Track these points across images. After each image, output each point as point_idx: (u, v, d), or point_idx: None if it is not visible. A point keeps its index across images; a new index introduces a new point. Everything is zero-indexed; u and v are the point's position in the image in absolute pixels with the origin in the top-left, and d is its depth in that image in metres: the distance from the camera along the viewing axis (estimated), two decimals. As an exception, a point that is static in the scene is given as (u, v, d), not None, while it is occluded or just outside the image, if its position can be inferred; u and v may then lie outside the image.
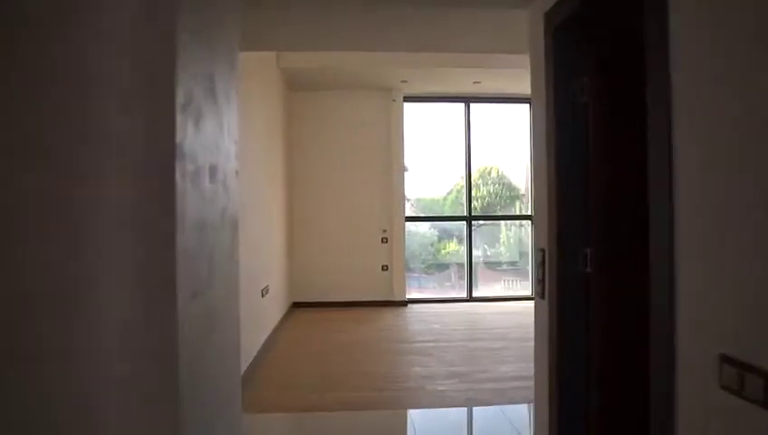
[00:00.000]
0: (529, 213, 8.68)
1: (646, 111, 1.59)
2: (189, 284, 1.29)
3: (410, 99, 8.31)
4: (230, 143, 1.71)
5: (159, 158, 1.20)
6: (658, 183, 1.53)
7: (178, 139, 1.22)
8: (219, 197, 1.58)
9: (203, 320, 1.40)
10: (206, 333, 1.45)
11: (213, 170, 1.51)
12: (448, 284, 8.72)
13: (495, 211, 8.90)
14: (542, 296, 2.52)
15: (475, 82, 7.68)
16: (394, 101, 8.04)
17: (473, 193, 8.57)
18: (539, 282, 2.54)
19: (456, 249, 8.67)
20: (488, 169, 8.87)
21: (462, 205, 8.55)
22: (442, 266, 8.92)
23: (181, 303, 1.22)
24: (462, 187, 8.54)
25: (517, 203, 8.91)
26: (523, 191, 8.91)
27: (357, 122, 8.06)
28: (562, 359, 2.36)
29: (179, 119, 1.23)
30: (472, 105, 8.46)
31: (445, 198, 8.82)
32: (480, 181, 8.65)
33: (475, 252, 8.48)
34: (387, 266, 8.09)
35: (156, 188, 1.20)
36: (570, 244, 2.37)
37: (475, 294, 8.46)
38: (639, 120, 1.64)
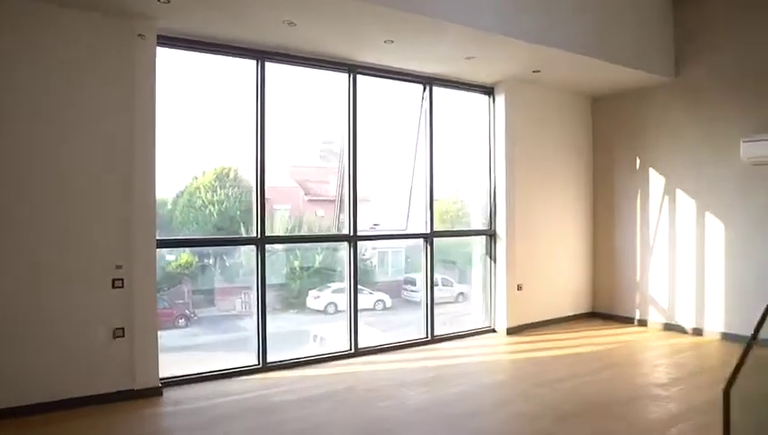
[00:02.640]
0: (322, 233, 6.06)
1: None
2: None
3: (169, 41, 4.92)
4: None
5: None
6: None
7: None
8: None
9: None
10: None
11: None
12: (180, 301, 6.32)
13: (228, 226, 6.10)
14: None
15: (286, 23, 4.74)
16: (141, 36, 4.57)
17: (208, 197, 5.88)
18: None
19: (189, 261, 6.24)
20: (226, 171, 6.33)
21: (196, 210, 5.91)
22: (173, 280, 6.27)
23: None
24: (198, 188, 5.94)
25: (254, 212, 6.30)
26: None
27: (65, 67, 4.36)
28: None
29: None
30: (269, 65, 5.48)
31: (175, 202, 5.96)
32: (217, 184, 6.10)
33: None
34: (122, 330, 4.55)
35: None
36: None
37: (270, 358, 5.50)
38: None
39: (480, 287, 7.26)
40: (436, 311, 6.65)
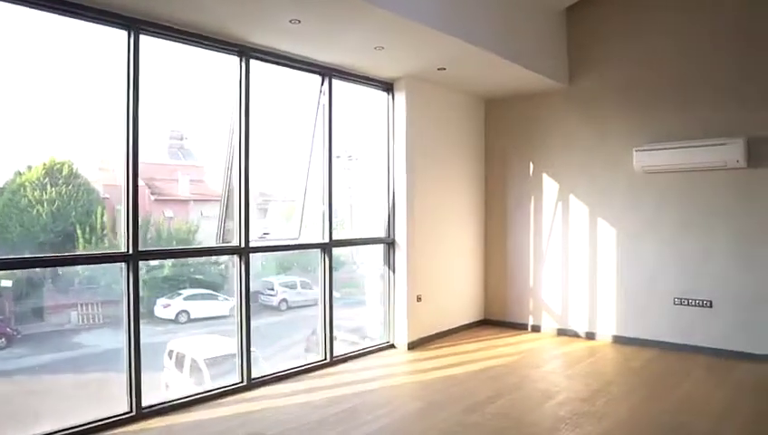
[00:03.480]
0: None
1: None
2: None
3: (5, -7, 3.69)
4: None
5: None
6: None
7: None
8: None
9: None
10: None
11: None
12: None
13: (62, 229, 5.08)
14: None
15: (174, -17, 3.77)
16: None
17: (36, 195, 4.80)
18: None
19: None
20: (59, 165, 5.33)
21: (20, 211, 4.81)
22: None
23: None
24: (23, 185, 4.83)
25: (96, 215, 5.46)
26: (104, 195, 5.54)
27: None
28: None
29: None
30: (144, 39, 4.39)
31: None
32: (47, 181, 5.09)
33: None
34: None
35: None
36: None
37: (145, 400, 4.42)
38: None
39: (377, 300, 6.73)
40: (291, 314, 6.15)
